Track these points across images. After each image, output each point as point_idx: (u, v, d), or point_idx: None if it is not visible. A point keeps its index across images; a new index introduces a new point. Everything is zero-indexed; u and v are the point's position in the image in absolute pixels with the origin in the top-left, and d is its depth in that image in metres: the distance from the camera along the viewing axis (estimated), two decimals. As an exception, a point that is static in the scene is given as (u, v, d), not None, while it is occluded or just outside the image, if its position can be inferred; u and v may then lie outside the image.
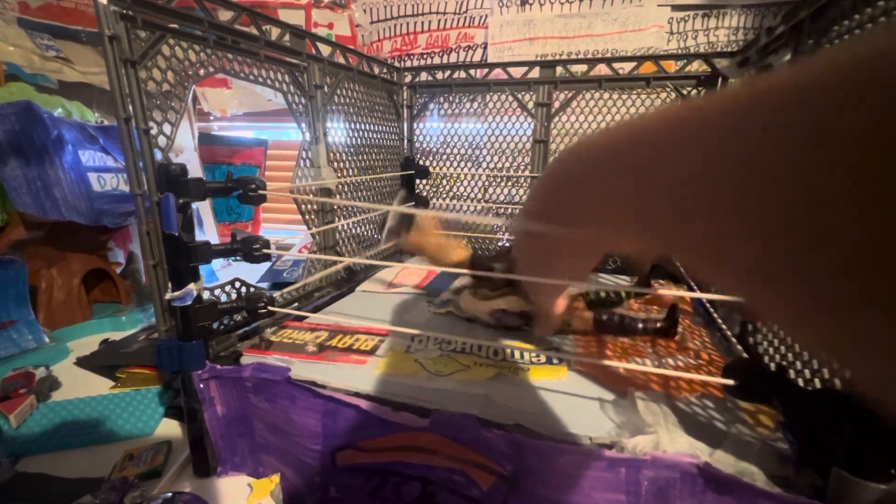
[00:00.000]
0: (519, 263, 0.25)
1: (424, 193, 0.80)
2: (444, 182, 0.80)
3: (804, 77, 0.10)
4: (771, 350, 0.38)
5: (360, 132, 0.64)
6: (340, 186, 0.60)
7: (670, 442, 0.27)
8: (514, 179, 0.74)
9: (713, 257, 0.13)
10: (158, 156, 0.35)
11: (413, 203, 0.77)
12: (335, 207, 0.59)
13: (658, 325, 0.42)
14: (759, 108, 0.11)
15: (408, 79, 0.76)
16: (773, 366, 0.34)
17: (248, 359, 0.39)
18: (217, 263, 0.95)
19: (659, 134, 0.14)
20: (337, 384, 0.35)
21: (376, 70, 0.67)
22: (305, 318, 0.47)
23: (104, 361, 0.58)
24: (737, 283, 0.12)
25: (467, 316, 0.48)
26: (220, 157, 1.11)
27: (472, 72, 0.74)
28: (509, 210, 0.76)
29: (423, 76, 0.75)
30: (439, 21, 0.99)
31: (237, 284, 0.43)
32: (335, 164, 0.58)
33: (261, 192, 0.38)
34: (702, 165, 0.12)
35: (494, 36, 0.96)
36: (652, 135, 0.15)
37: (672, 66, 0.64)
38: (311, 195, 0.54)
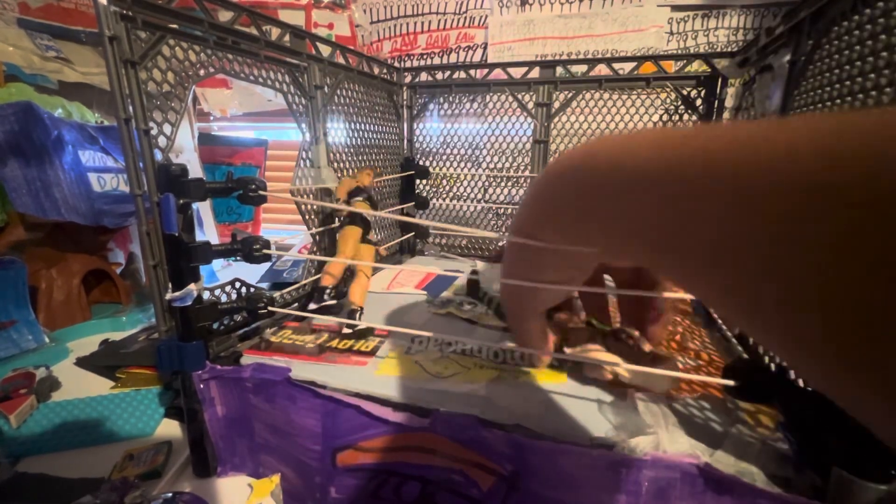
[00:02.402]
0: (503, 274, 0.23)
1: (425, 194, 0.80)
2: (445, 182, 0.80)
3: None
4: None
5: (361, 132, 0.64)
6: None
7: (670, 442, 0.27)
8: (514, 180, 0.74)
9: (741, 310, 0.14)
10: (158, 156, 0.35)
11: (413, 203, 0.77)
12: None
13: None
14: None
15: (408, 79, 0.76)
16: (773, 366, 0.34)
17: (248, 359, 0.39)
18: (217, 264, 0.95)
19: (695, 166, 0.14)
20: (337, 385, 0.35)
21: (376, 70, 0.67)
22: (306, 318, 0.47)
23: (104, 362, 0.58)
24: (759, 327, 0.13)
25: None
26: (220, 158, 1.11)
27: (471, 72, 0.74)
28: (509, 210, 0.76)
29: (423, 76, 0.76)
30: (439, 21, 0.99)
31: (237, 285, 0.43)
32: (335, 164, 0.58)
33: (261, 192, 0.38)
34: (740, 216, 0.12)
35: (494, 36, 0.96)
36: (688, 167, 0.14)
37: (672, 67, 0.64)
38: (311, 195, 0.54)
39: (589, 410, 0.32)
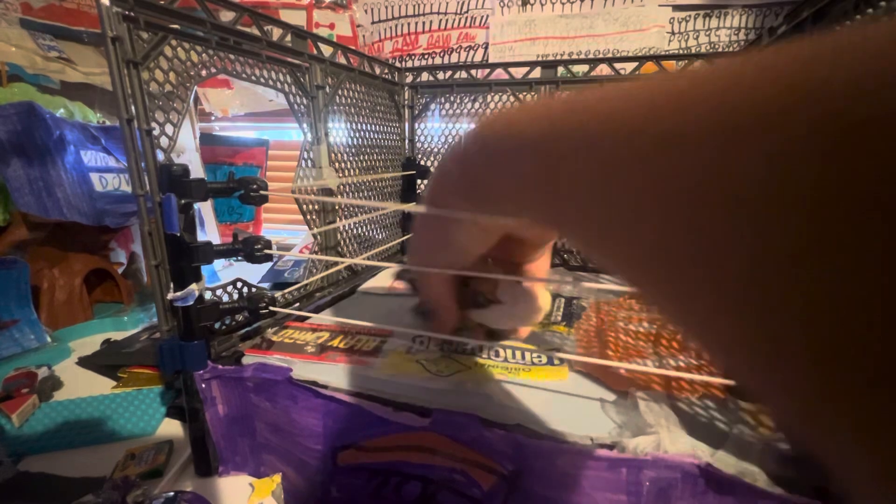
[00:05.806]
0: (412, 244, 0.24)
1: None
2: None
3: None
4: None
5: (362, 132, 0.64)
6: (342, 187, 0.60)
7: (671, 442, 0.27)
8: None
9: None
10: (160, 156, 0.35)
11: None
12: (336, 207, 0.59)
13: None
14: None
15: (409, 79, 0.76)
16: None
17: (249, 359, 0.39)
18: (219, 264, 0.95)
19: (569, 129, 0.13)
20: (338, 384, 0.35)
21: (378, 70, 0.68)
22: (307, 318, 0.47)
23: (106, 361, 0.58)
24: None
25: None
26: (221, 158, 1.12)
27: (473, 72, 0.74)
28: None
29: (425, 76, 0.76)
30: (440, 21, 0.99)
31: (239, 284, 0.43)
32: (337, 164, 0.58)
33: (262, 192, 0.38)
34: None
35: (496, 36, 0.96)
36: (562, 129, 0.13)
37: (673, 67, 0.64)
38: (313, 195, 0.54)
39: (590, 410, 0.32)
